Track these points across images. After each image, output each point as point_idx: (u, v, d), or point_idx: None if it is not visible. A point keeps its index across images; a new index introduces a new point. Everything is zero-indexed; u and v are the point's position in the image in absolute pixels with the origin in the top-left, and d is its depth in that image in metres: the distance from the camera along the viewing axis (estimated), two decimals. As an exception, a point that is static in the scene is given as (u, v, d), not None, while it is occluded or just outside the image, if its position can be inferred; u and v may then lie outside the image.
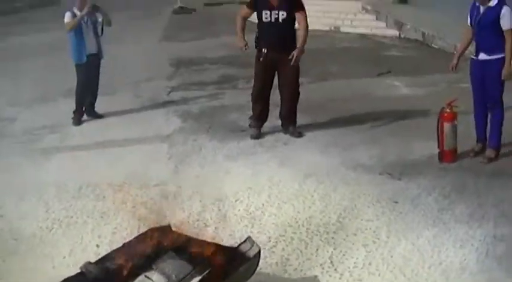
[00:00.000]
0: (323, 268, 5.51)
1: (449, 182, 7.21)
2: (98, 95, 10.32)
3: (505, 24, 7.47)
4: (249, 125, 9.26)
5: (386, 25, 18.82)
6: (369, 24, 19.55)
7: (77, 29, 9.81)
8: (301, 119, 9.13)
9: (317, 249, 5.83)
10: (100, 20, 10.08)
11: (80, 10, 9.80)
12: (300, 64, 8.82)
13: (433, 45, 15.75)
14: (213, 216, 6.63)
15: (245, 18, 9.12)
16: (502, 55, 7.57)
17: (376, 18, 19.78)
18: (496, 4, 7.49)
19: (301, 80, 9.07)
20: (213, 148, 8.67)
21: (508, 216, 6.33)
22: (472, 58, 7.84)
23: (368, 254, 5.72)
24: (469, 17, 7.82)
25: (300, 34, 8.91)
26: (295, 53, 8.71)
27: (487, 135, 7.95)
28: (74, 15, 9.78)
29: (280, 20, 8.74)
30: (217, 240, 5.73)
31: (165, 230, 5.45)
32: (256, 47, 8.99)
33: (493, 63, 7.63)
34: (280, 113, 9.20)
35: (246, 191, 7.19)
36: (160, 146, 8.86)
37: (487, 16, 7.55)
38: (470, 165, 7.73)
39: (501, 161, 7.81)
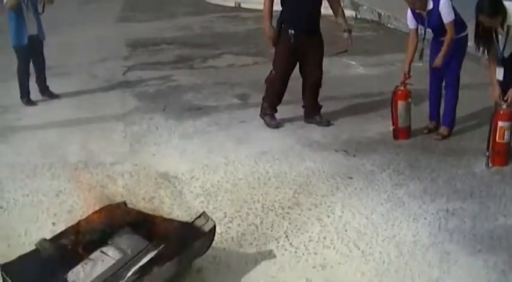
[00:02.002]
0: (278, 242, 5.55)
1: (403, 159, 7.31)
2: (52, 76, 10.22)
3: (444, 18, 7.57)
4: (265, 114, 8.65)
5: (343, 6, 18.92)
6: (326, 5, 19.61)
7: (17, 9, 9.39)
8: (256, 98, 9.13)
9: (272, 225, 5.87)
10: None
11: None
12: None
13: (388, 25, 15.90)
14: (168, 194, 6.62)
15: (274, 1, 8.25)
16: (461, 34, 7.69)
17: (333, -1, 19.85)
18: (434, 5, 7.58)
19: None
20: (168, 127, 8.66)
21: (459, 192, 6.44)
22: (432, 39, 7.93)
23: (323, 229, 5.77)
24: (411, 21, 7.86)
25: (336, 12, 8.46)
26: (348, 36, 8.35)
27: (441, 113, 8.07)
28: None
29: None
30: (173, 217, 5.75)
31: (120, 206, 5.44)
32: (279, 29, 8.27)
33: (451, 44, 7.71)
34: (304, 102, 8.66)
35: (202, 169, 7.20)
36: (116, 126, 8.81)
37: (433, 19, 7.63)
38: (424, 142, 7.85)
39: (454, 138, 7.95)
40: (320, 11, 8.33)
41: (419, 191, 6.47)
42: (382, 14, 16.61)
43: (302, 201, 6.33)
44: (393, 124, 7.89)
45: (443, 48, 7.61)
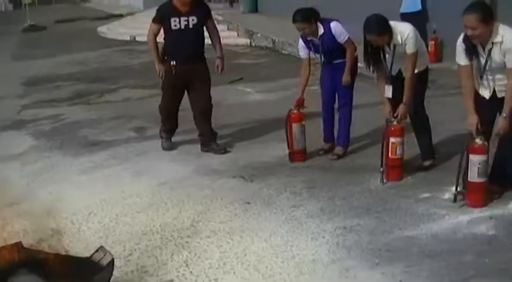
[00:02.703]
0: (179, 272, 5.53)
1: (300, 180, 7.41)
2: None
3: (340, 38, 7.81)
4: (161, 137, 8.96)
5: (238, 34, 19.17)
6: (221, 35, 19.77)
7: None
8: (153, 130, 9.13)
9: (172, 254, 5.85)
10: None
11: None
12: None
13: (283, 51, 16.14)
14: (66, 231, 6.53)
15: (157, 36, 8.61)
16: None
17: (228, 28, 20.12)
18: (325, 29, 7.79)
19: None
20: (65, 164, 8.57)
21: (356, 209, 6.55)
22: (323, 62, 8.12)
23: (222, 255, 5.78)
24: (303, 50, 8.09)
25: (215, 41, 8.72)
26: (219, 63, 8.70)
27: (335, 134, 8.23)
28: None
29: (190, 26, 8.37)
30: (71, 254, 5.68)
31: (17, 247, 5.33)
32: (164, 59, 8.58)
33: (342, 65, 7.93)
34: (199, 131, 8.82)
35: (100, 204, 7.13)
36: (12, 165, 8.66)
37: (326, 43, 7.83)
38: (320, 163, 7.98)
39: (349, 157, 8.11)
40: (203, 41, 8.57)
41: (317, 211, 6.55)
42: (276, 40, 16.87)
43: (201, 229, 6.34)
44: (289, 147, 8.00)
45: (347, 66, 7.87)
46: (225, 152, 8.61)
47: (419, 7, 14.18)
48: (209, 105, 8.73)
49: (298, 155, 8.01)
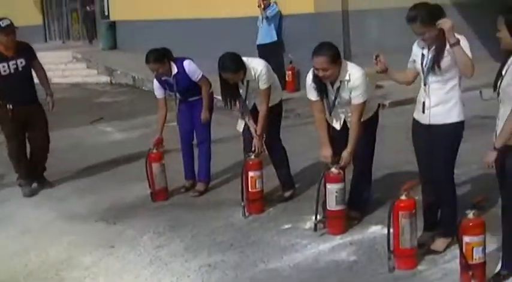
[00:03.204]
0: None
1: (164, 219, 7.41)
2: None
3: (194, 77, 7.96)
4: (19, 185, 8.81)
5: (98, 72, 19.03)
6: (80, 73, 19.63)
7: None
8: (13, 177, 8.94)
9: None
10: None
11: None
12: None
13: (143, 88, 16.13)
14: None
15: None
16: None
17: (87, 67, 19.93)
18: (178, 68, 7.92)
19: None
20: None
21: (220, 244, 6.62)
22: (179, 100, 8.22)
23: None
24: (158, 90, 8.25)
25: (43, 80, 8.91)
26: (49, 100, 8.79)
27: (196, 170, 8.30)
28: None
29: (20, 69, 8.42)
30: None
31: None
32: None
33: (198, 102, 8.07)
34: (37, 169, 8.93)
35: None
36: None
37: (180, 82, 7.96)
38: (182, 200, 8.02)
39: (211, 193, 8.21)
40: (32, 82, 8.70)
41: (181, 249, 6.58)
42: (136, 77, 16.86)
43: (65, 277, 6.25)
44: (150, 187, 8.00)
45: (204, 103, 7.98)
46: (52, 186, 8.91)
47: (275, 38, 14.51)
48: (46, 144, 8.87)
49: (160, 194, 8.02)
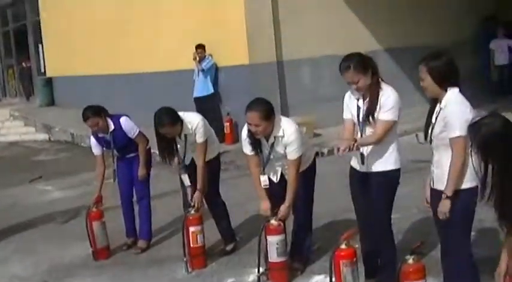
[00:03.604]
0: None
1: (106, 279, 7.34)
2: None
3: (131, 133, 7.97)
4: None
5: (36, 130, 18.85)
6: (18, 131, 19.43)
7: None
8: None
9: None
10: None
11: None
12: None
13: (82, 144, 16.01)
14: None
15: None
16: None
17: (25, 124, 19.75)
18: (115, 125, 7.94)
19: None
20: None
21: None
22: (117, 157, 8.21)
23: None
24: (95, 147, 8.19)
25: None
26: None
27: (137, 228, 8.24)
28: None
29: None
30: None
31: None
32: None
33: (136, 159, 8.07)
34: None
35: None
36: None
37: (117, 139, 7.97)
38: (125, 259, 7.93)
39: (153, 249, 8.14)
40: None
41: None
42: (75, 134, 16.74)
43: None
44: (91, 245, 7.91)
45: (141, 160, 7.96)
46: None
47: (211, 90, 14.55)
48: None
49: (102, 253, 7.93)
